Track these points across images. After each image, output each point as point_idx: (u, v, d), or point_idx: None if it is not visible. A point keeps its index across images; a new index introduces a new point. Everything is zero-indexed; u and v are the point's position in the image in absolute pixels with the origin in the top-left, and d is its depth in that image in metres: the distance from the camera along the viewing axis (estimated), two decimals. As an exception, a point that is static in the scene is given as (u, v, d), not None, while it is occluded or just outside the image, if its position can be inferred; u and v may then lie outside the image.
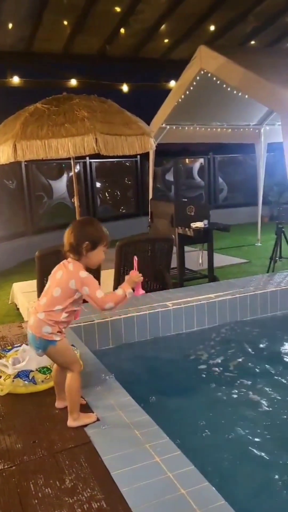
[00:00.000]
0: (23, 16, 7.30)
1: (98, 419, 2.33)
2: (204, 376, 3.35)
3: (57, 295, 2.31)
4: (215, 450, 2.48)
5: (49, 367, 2.72)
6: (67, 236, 2.36)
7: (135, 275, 2.37)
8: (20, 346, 3.09)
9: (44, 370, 2.73)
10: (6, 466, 2.03)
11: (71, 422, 2.31)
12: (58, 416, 2.41)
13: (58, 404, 2.50)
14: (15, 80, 8.32)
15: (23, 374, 2.67)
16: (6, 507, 1.78)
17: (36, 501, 1.80)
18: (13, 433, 2.29)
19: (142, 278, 2.37)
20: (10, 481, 1.93)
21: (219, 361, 3.59)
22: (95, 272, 4.61)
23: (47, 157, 4.64)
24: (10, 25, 7.47)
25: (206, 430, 2.63)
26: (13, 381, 2.65)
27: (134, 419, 2.32)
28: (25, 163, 9.55)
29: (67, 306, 2.32)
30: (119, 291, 2.33)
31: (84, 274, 2.31)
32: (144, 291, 2.43)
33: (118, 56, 9.04)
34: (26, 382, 2.64)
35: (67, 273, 2.32)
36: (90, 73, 8.92)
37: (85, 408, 2.44)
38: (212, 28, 9.07)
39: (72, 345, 3.02)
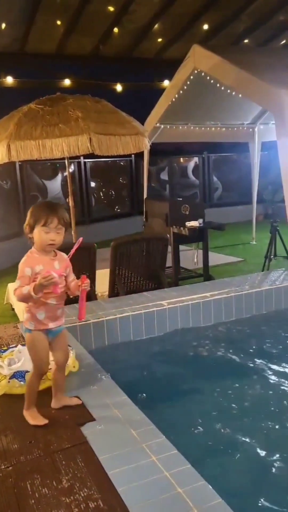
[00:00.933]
0: (16, 17, 7.28)
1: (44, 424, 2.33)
2: (200, 375, 3.36)
3: None
4: (211, 448, 2.49)
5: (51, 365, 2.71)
6: (27, 219, 2.37)
7: (43, 277, 2.20)
8: (15, 346, 3.08)
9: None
10: (3, 467, 2.03)
11: (24, 412, 2.40)
12: (55, 415, 2.41)
13: (54, 404, 2.50)
14: (9, 80, 8.31)
15: (18, 375, 2.66)
16: (3, 508, 1.78)
17: (33, 501, 1.80)
18: (10, 433, 2.29)
19: (53, 281, 2.21)
20: (7, 482, 1.93)
21: (215, 360, 3.60)
22: (90, 271, 4.63)
23: (41, 157, 4.63)
24: (3, 26, 7.46)
25: (203, 429, 2.64)
26: (8, 381, 2.65)
27: (130, 419, 2.32)
28: (20, 163, 9.53)
29: None
30: (26, 288, 2.23)
31: (22, 260, 2.31)
32: (58, 291, 2.30)
33: (111, 55, 9.04)
34: (22, 382, 2.64)
35: None
36: (83, 73, 8.91)
37: (81, 408, 2.45)
38: (205, 27, 9.08)
39: (68, 345, 3.03)
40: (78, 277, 2.41)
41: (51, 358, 2.45)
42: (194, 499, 1.74)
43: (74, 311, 3.88)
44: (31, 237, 2.32)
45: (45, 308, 2.33)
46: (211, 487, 1.80)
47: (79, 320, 2.38)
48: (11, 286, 5.66)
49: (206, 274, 6.10)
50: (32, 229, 2.30)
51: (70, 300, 4.14)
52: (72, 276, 2.43)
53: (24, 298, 2.26)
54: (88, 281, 2.36)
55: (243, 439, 2.54)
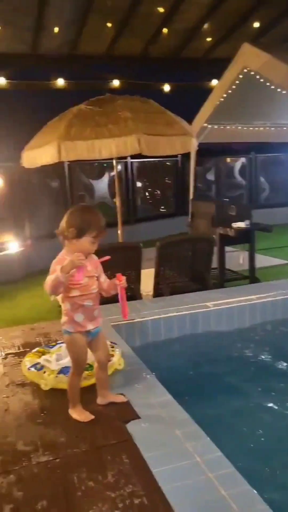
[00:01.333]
0: (68, 20, 7.45)
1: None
2: (245, 377, 3.33)
3: None
4: (257, 452, 2.47)
5: (91, 364, 2.77)
6: (63, 219, 2.35)
7: (75, 256, 2.22)
8: (63, 342, 3.15)
9: (87, 367, 2.78)
10: (51, 458, 2.09)
11: (69, 410, 2.44)
12: (101, 412, 2.46)
13: (100, 400, 2.55)
14: (60, 82, 8.50)
15: (66, 370, 2.72)
16: (51, 498, 1.84)
17: (79, 493, 1.85)
18: (57, 426, 2.35)
19: (82, 263, 2.22)
20: (55, 473, 1.99)
21: (260, 362, 3.55)
22: (135, 271, 4.67)
23: (90, 158, 4.71)
24: (56, 29, 7.66)
25: (247, 431, 2.62)
26: (56, 376, 2.72)
27: (175, 418, 2.33)
28: (68, 163, 9.73)
29: (64, 294, 2.34)
30: (54, 274, 2.22)
31: (45, 286, 2.27)
32: (81, 278, 2.27)
33: (160, 56, 9.07)
34: (69, 378, 2.70)
35: None
36: (132, 74, 8.98)
37: (126, 406, 2.48)
38: (255, 25, 8.93)
39: (114, 343, 3.08)
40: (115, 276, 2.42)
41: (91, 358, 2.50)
42: (238, 503, 1.73)
43: (119, 309, 3.94)
44: (72, 241, 2.29)
45: (82, 310, 2.36)
46: (256, 492, 1.78)
47: (124, 319, 2.41)
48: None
49: (252, 276, 6.01)
50: (80, 235, 2.27)
51: (109, 300, 4.21)
52: (103, 277, 2.45)
53: (53, 285, 2.21)
54: (124, 278, 2.38)
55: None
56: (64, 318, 2.40)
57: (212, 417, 2.74)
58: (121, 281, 2.37)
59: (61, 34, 7.70)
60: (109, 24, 7.80)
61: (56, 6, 6.92)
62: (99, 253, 2.36)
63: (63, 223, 2.34)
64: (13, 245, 8.72)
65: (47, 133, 5.08)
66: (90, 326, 2.40)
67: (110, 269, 2.46)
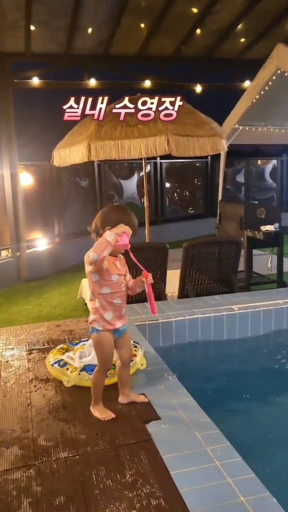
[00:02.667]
0: (102, 20, 7.48)
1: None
2: (269, 383, 3.28)
3: (89, 283, 2.41)
4: (279, 460, 2.42)
5: (113, 362, 2.78)
6: (96, 217, 2.39)
7: (122, 225, 2.28)
8: (87, 340, 3.18)
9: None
10: (71, 455, 2.11)
11: (91, 408, 2.46)
12: (121, 411, 2.46)
13: (121, 399, 2.56)
14: (92, 82, 8.55)
15: (89, 368, 2.75)
16: (70, 493, 1.85)
17: (97, 491, 1.86)
18: (78, 423, 2.37)
19: (130, 230, 2.28)
20: (74, 469, 2.01)
21: (286, 367, 3.49)
22: (161, 271, 4.67)
23: (119, 158, 4.74)
24: (90, 30, 7.70)
25: (271, 439, 2.57)
26: (79, 374, 2.75)
27: (195, 421, 2.32)
28: (98, 162, 9.81)
29: (95, 291, 2.36)
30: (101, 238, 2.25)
31: (87, 254, 2.29)
32: (127, 243, 2.28)
33: (192, 56, 9.02)
34: (91, 376, 2.72)
35: None
36: (164, 74, 8.97)
37: (147, 406, 2.48)
38: (291, 26, 8.79)
39: (137, 343, 3.09)
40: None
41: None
42: (256, 510, 1.71)
43: (145, 309, 3.95)
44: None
45: (112, 308, 2.39)
46: (275, 499, 1.75)
47: (153, 315, 2.43)
48: (84, 282, 5.86)
49: (279, 281, 5.92)
50: None
51: (133, 300, 4.22)
52: (128, 276, 2.48)
53: (100, 245, 2.20)
54: (150, 274, 2.40)
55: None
56: (92, 317, 2.42)
57: (234, 422, 2.71)
58: (147, 278, 2.38)
59: (95, 34, 7.75)
60: (142, 25, 7.81)
61: (90, 7, 6.98)
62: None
63: (97, 221, 2.39)
64: (42, 242, 8.85)
65: (78, 133, 5.13)
66: (118, 324, 2.42)
67: (136, 269, 2.47)
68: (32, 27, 7.31)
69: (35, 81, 8.30)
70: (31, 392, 2.74)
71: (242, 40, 9.02)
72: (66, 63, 8.45)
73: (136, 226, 2.38)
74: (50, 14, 7.16)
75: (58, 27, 7.51)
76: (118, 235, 2.26)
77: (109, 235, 2.23)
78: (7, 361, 3.20)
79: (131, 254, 2.37)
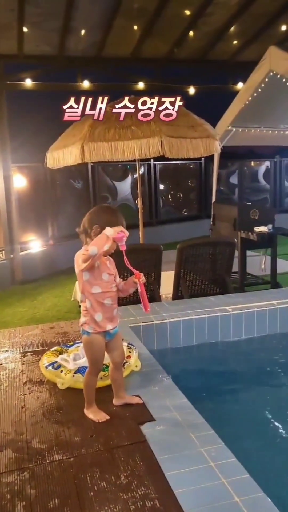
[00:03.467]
0: (95, 22, 7.49)
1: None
2: (264, 384, 3.28)
3: (79, 283, 2.41)
4: (273, 460, 2.43)
5: (108, 364, 2.78)
6: (84, 218, 2.40)
7: (120, 226, 2.31)
8: (81, 342, 3.17)
9: (103, 367, 2.79)
10: (65, 457, 2.10)
11: (84, 410, 2.46)
12: (116, 412, 2.46)
13: (116, 401, 2.55)
14: (85, 84, 8.56)
15: (83, 370, 2.74)
16: (64, 496, 1.84)
17: (92, 493, 1.85)
18: (72, 426, 2.36)
19: (127, 233, 2.31)
20: (68, 472, 2.00)
21: (280, 368, 3.50)
22: (155, 272, 4.67)
23: (113, 159, 4.74)
24: (83, 32, 7.70)
25: (263, 439, 2.58)
26: (73, 376, 2.74)
27: (190, 422, 2.32)
28: (92, 164, 9.80)
29: (86, 290, 2.36)
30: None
31: (77, 253, 2.32)
32: (124, 240, 2.30)
33: (185, 58, 9.04)
34: (85, 377, 2.71)
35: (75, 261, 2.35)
36: (157, 76, 8.99)
37: (142, 407, 2.48)
38: (283, 28, 8.84)
39: (131, 344, 3.08)
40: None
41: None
42: (251, 510, 1.71)
43: (138, 311, 3.95)
44: (94, 238, 2.31)
45: (102, 309, 2.38)
46: (270, 500, 1.75)
47: (146, 312, 2.43)
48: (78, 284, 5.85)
49: (273, 281, 5.94)
50: None
51: (127, 302, 4.22)
52: (118, 279, 2.49)
53: (98, 242, 2.22)
54: (142, 274, 2.40)
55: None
56: (83, 319, 2.42)
57: (228, 423, 2.72)
58: (139, 278, 2.38)
59: (88, 36, 7.76)
60: (135, 27, 7.83)
61: (83, 8, 6.98)
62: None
63: (85, 222, 2.39)
64: (36, 245, 8.83)
65: (71, 134, 5.13)
66: (109, 326, 2.41)
67: (128, 272, 2.47)
68: (25, 29, 7.30)
69: (28, 83, 8.30)
70: (25, 394, 2.73)
71: (235, 42, 9.06)
72: (59, 65, 8.45)
73: (124, 226, 2.37)
74: (43, 15, 7.15)
75: (51, 29, 7.51)
76: (117, 232, 2.28)
77: (108, 230, 2.25)
78: (1, 364, 3.19)
79: (125, 258, 2.37)
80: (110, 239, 2.25)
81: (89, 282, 2.35)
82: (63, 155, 5.04)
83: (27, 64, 8.39)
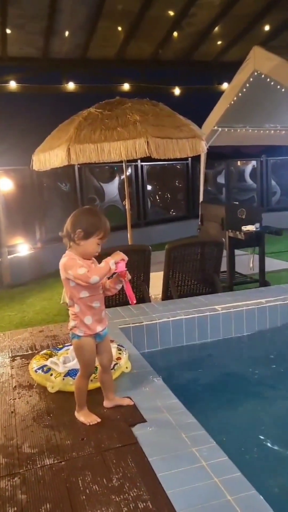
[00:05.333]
0: (79, 25, 7.50)
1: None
2: (253, 382, 3.30)
3: (66, 289, 2.39)
4: (264, 458, 2.44)
5: (98, 366, 2.76)
6: (67, 222, 2.37)
7: (119, 252, 2.34)
8: (70, 345, 3.15)
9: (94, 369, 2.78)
10: (56, 461, 2.08)
11: (75, 413, 2.44)
12: (107, 415, 2.45)
13: (106, 403, 2.54)
14: (70, 86, 8.56)
15: (73, 373, 2.72)
16: (56, 501, 1.83)
17: (84, 497, 1.84)
18: (63, 429, 2.35)
19: (126, 257, 2.34)
20: (60, 476, 1.98)
21: (270, 367, 3.52)
22: (144, 273, 4.67)
23: (99, 161, 4.74)
24: (66, 33, 7.71)
25: (254, 437, 2.59)
26: (63, 379, 2.72)
27: (181, 422, 2.31)
28: (78, 166, 9.77)
29: (73, 296, 2.35)
30: (102, 264, 2.29)
31: (64, 259, 2.30)
32: (125, 269, 2.35)
33: (170, 59, 9.09)
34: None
35: (60, 267, 2.34)
36: (142, 77, 9.03)
37: (133, 409, 2.47)
38: (266, 28, 8.91)
39: (121, 346, 3.07)
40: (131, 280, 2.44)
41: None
42: (243, 508, 1.71)
43: (128, 312, 3.94)
44: (79, 243, 2.30)
45: (91, 312, 2.37)
46: (262, 497, 1.76)
47: (132, 304, 2.43)
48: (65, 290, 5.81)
49: (262, 280, 5.97)
50: (87, 237, 2.30)
51: (116, 303, 4.22)
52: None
53: (102, 273, 2.26)
54: (127, 272, 2.39)
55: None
56: (72, 323, 2.40)
57: (219, 422, 2.72)
58: (124, 277, 2.38)
59: (72, 38, 7.75)
60: (119, 28, 7.83)
61: (67, 10, 6.97)
62: (106, 255, 2.35)
63: (68, 225, 2.36)
64: (24, 248, 8.77)
65: (57, 136, 5.11)
66: (99, 328, 2.40)
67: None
68: (8, 31, 7.27)
69: (13, 85, 8.26)
70: (15, 399, 2.70)
71: (219, 42, 9.13)
72: (43, 67, 8.45)
73: (107, 228, 2.35)
74: (26, 17, 7.14)
75: (35, 31, 7.51)
76: (117, 263, 2.30)
77: (112, 263, 2.27)
78: (-10, 369, 3.16)
79: (125, 282, 2.39)
80: (113, 270, 2.28)
81: (76, 288, 2.33)
82: (49, 157, 5.02)
83: (11, 66, 8.37)
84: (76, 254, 2.32)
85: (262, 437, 2.59)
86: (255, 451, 2.49)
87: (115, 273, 2.36)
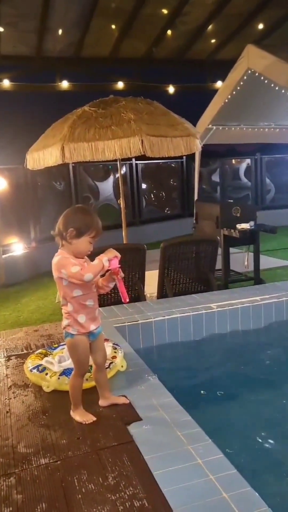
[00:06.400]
0: (72, 23, 7.48)
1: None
2: (249, 379, 3.30)
3: (58, 288, 2.38)
4: (259, 455, 2.45)
5: (92, 365, 2.76)
6: (59, 221, 2.37)
7: (112, 250, 2.34)
8: (65, 344, 3.15)
9: (89, 368, 2.77)
10: (52, 461, 2.08)
11: (71, 412, 2.44)
12: (102, 413, 2.44)
13: (102, 402, 2.53)
14: (64, 84, 8.54)
15: (68, 372, 2.72)
16: (51, 500, 1.83)
17: (79, 496, 1.84)
18: (58, 428, 2.34)
19: (119, 254, 2.34)
20: (55, 475, 1.98)
21: (265, 364, 3.53)
22: (139, 272, 4.66)
23: (94, 159, 4.73)
24: (60, 32, 7.69)
25: (250, 435, 2.59)
26: (58, 378, 2.71)
27: (177, 420, 2.32)
28: (73, 164, 9.75)
29: (67, 295, 2.34)
30: (95, 261, 2.29)
31: (56, 258, 2.30)
32: (119, 266, 2.35)
33: (164, 58, 9.08)
34: (71, 379, 2.69)
35: (52, 266, 2.33)
36: (137, 76, 9.02)
37: (128, 407, 2.47)
38: (260, 27, 8.92)
39: (116, 345, 3.07)
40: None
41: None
42: (239, 505, 1.71)
43: (123, 311, 3.94)
44: (71, 241, 2.30)
45: (85, 311, 2.36)
46: (257, 494, 1.76)
47: (125, 302, 2.43)
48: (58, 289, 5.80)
49: (256, 278, 5.98)
50: (79, 236, 2.30)
51: (111, 302, 4.21)
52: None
53: (96, 270, 2.25)
54: (120, 270, 2.39)
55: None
56: (65, 321, 2.39)
57: (215, 420, 2.72)
58: (117, 274, 2.38)
59: (65, 36, 7.73)
60: (113, 26, 7.82)
61: (60, 8, 6.95)
62: (99, 254, 2.35)
63: (60, 224, 2.35)
64: (18, 247, 8.74)
65: (51, 135, 5.10)
66: (92, 327, 2.40)
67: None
68: (1, 29, 7.24)
69: (6, 83, 8.23)
70: (10, 399, 2.69)
71: (213, 41, 9.14)
72: (37, 65, 8.43)
73: (99, 227, 2.35)
74: (19, 16, 7.12)
75: (28, 29, 7.49)
76: (110, 260, 2.29)
77: (105, 260, 2.27)
78: (-15, 369, 3.15)
79: (118, 280, 2.39)
80: (105, 268, 2.28)
81: (69, 286, 2.32)
82: (43, 156, 5.01)
83: (5, 65, 8.34)
84: (69, 253, 2.32)
85: (257, 434, 2.59)
86: (251, 448, 2.49)
87: (109, 270, 2.36)
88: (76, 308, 2.35)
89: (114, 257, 2.33)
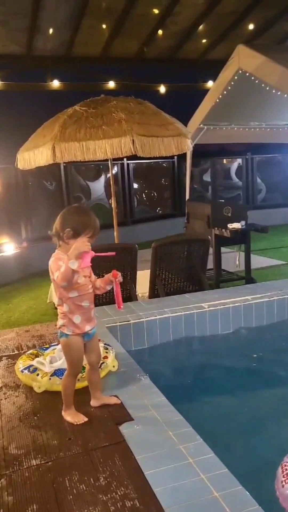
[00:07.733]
0: (63, 22, 7.45)
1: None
2: (240, 379, 3.32)
3: (55, 289, 2.39)
4: (251, 454, 2.45)
5: (84, 365, 2.76)
6: (56, 221, 2.36)
7: (80, 242, 2.24)
8: (57, 345, 3.14)
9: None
10: (43, 462, 2.07)
11: (62, 413, 2.43)
12: (94, 414, 2.44)
13: (93, 402, 2.53)
14: (55, 83, 8.51)
15: (59, 373, 2.71)
16: (42, 501, 1.82)
17: (71, 496, 1.84)
18: (49, 429, 2.34)
19: (89, 246, 2.24)
20: (46, 476, 1.97)
21: (256, 363, 3.55)
22: (131, 272, 4.66)
23: (85, 159, 4.70)
24: (51, 31, 7.65)
25: (242, 434, 2.60)
26: (50, 379, 2.71)
27: (168, 420, 2.32)
28: (64, 164, 9.72)
29: (63, 296, 2.34)
30: (63, 267, 2.23)
31: (50, 260, 2.30)
32: (90, 264, 2.29)
33: (155, 57, 9.08)
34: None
35: (49, 268, 2.33)
36: (128, 75, 9.02)
37: (120, 408, 2.47)
38: (250, 27, 8.95)
39: (108, 345, 3.07)
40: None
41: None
42: (230, 504, 1.72)
43: (114, 311, 3.93)
44: (68, 242, 2.29)
45: (80, 311, 2.36)
46: (248, 493, 1.77)
47: (119, 309, 2.42)
48: (54, 290, 5.78)
49: (248, 277, 6.01)
50: (76, 236, 2.28)
51: (103, 302, 4.21)
52: (93, 276, 2.46)
53: (65, 276, 2.20)
54: (119, 273, 2.39)
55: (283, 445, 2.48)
56: (61, 322, 2.38)
57: (206, 419, 2.73)
58: (116, 277, 2.37)
59: (56, 35, 7.70)
60: (104, 26, 7.81)
61: (51, 7, 6.93)
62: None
63: (57, 224, 2.34)
64: (9, 247, 8.70)
65: (42, 135, 5.07)
66: (87, 328, 2.40)
67: (105, 270, 2.45)
68: (-8, 28, 7.21)
69: (-3, 83, 8.19)
70: (1, 400, 2.68)
71: (204, 41, 9.15)
72: (28, 64, 8.38)
73: (97, 227, 2.34)
74: (9, 14, 7.07)
75: (18, 28, 7.45)
76: (80, 258, 2.22)
77: (72, 263, 2.20)
78: (-25, 370, 3.13)
79: (115, 284, 2.37)
80: (76, 270, 2.22)
81: (65, 288, 2.32)
82: (34, 155, 4.98)
83: (-5, 64, 8.29)
84: (65, 253, 2.31)
85: (249, 433, 2.61)
86: (242, 447, 2.50)
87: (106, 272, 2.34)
88: (72, 308, 2.35)
89: (83, 253, 2.23)
